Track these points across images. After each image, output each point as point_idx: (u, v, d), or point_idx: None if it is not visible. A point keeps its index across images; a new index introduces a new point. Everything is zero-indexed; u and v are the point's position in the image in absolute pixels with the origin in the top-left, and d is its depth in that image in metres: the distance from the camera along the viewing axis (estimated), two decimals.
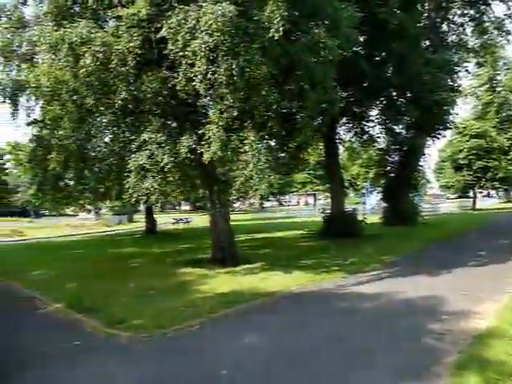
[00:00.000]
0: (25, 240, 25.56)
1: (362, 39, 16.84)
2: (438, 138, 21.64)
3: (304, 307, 7.46)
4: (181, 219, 35.95)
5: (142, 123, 9.58)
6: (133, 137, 9.58)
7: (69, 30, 8.55)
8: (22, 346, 5.80)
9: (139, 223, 36.31)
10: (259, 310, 7.31)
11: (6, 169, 72.92)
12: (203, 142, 8.90)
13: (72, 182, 14.00)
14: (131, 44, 8.39)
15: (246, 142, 8.77)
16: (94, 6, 9.89)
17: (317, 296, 8.21)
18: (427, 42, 20.06)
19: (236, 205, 64.24)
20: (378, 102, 19.48)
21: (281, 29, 8.19)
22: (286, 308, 7.47)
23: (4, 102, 11.10)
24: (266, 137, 10.63)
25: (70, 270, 11.98)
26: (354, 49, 16.53)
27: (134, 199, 9.38)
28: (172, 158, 8.85)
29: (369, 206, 36.69)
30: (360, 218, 19.37)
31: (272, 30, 8.22)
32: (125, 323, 6.42)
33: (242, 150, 8.81)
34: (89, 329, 6.45)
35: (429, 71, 16.21)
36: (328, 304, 7.47)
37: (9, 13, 11.10)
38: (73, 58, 8.49)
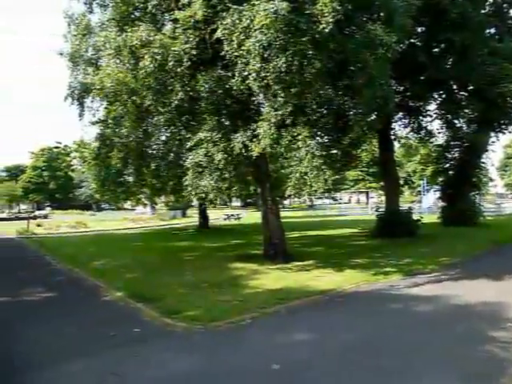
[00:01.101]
0: (88, 232, 27.36)
1: (419, 30, 16.16)
2: (504, 133, 20.11)
3: (357, 307, 7.35)
4: (232, 215, 36.66)
5: (197, 122, 9.88)
6: (188, 135, 9.91)
7: (130, 34, 9.04)
8: (94, 330, 6.21)
9: (192, 218, 37.46)
10: (311, 307, 7.30)
11: (72, 165, 78.38)
12: (254, 139, 9.04)
13: (131, 178, 14.76)
14: (187, 45, 8.69)
15: (298, 138, 8.76)
16: (153, 11, 10.34)
17: (370, 296, 8.04)
18: (492, 30, 18.73)
19: (286, 202, 64.31)
20: (436, 96, 18.58)
21: (331, 20, 8.05)
22: (338, 307, 7.40)
23: (73, 103, 12.01)
24: (318, 133, 10.54)
25: (129, 261, 12.66)
26: (412, 40, 15.94)
27: (193, 196, 9.71)
28: (226, 155, 9.06)
29: (425, 205, 35.18)
30: (416, 217, 18.59)
31: (324, 24, 8.12)
32: (180, 314, 6.68)
33: (294, 147, 8.81)
34: (147, 317, 6.79)
35: (494, 61, 15.17)
36: (382, 305, 7.29)
37: (77, 21, 11.91)
38: (133, 61, 8.96)
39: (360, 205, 62.17)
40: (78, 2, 11.99)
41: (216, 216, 35.34)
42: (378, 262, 11.13)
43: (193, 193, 9.58)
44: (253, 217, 36.93)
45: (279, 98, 8.66)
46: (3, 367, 4.85)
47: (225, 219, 35.52)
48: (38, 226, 28.44)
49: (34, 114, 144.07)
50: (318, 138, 9.63)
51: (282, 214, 13.63)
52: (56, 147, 79.14)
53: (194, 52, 8.81)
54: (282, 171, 23.74)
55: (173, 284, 9.05)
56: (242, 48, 8.31)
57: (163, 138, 13.17)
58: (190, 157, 9.39)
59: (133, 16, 11.07)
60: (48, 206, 69.36)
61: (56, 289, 9.33)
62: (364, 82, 9.28)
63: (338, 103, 10.12)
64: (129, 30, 9.26)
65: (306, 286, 8.51)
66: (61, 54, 12.68)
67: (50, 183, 73.97)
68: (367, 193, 62.93)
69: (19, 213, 54.56)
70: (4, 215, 48.53)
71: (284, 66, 8.19)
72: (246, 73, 8.38)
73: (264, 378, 4.45)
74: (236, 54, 8.34)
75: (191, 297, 7.82)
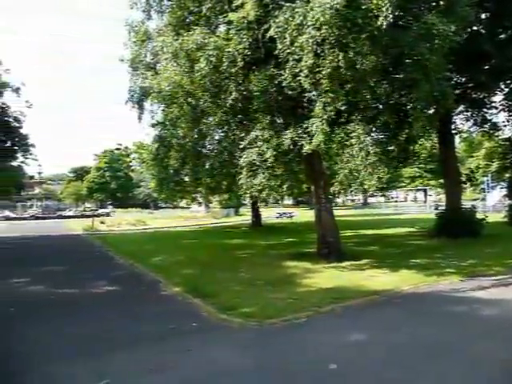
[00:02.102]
0: (146, 229, 28.68)
1: (483, 16, 15.16)
2: None
3: (416, 309, 7.08)
4: (284, 213, 36.69)
5: (250, 121, 10.01)
6: (242, 134, 10.07)
7: (186, 38, 9.35)
8: (154, 322, 6.51)
9: (244, 216, 38.01)
10: (367, 307, 7.14)
11: (131, 166, 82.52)
12: (305, 136, 8.99)
13: (187, 178, 15.26)
14: (240, 46, 8.83)
15: (352, 135, 8.59)
16: (207, 14, 10.61)
17: (430, 298, 7.71)
18: None
19: (339, 200, 63.16)
20: (503, 86, 17.30)
21: (390, 16, 7.82)
22: (395, 308, 7.16)
23: (133, 107, 12.67)
24: (373, 129, 10.27)
25: (185, 258, 13.09)
26: (475, 28, 14.97)
27: (247, 195, 9.87)
28: (276, 152, 9.09)
29: (490, 203, 32.92)
30: (479, 215, 17.47)
31: (381, 18, 7.89)
32: (235, 310, 6.80)
33: (348, 144, 8.65)
34: (204, 313, 6.99)
35: None
36: (443, 308, 6.97)
37: (136, 28, 12.52)
38: (189, 64, 9.27)
39: (417, 203, 59.48)
40: (136, 10, 12.57)
41: (268, 214, 35.53)
42: (439, 263, 10.61)
43: (247, 191, 9.72)
44: (305, 215, 36.72)
45: (331, 95, 8.54)
46: (91, 348, 5.24)
47: (277, 217, 35.62)
48: (102, 223, 30.29)
49: (99, 119, 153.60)
50: (373, 134, 9.38)
51: (335, 212, 13.42)
52: (117, 149, 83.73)
53: (247, 52, 8.94)
54: (335, 168, 23.49)
55: (228, 281, 9.24)
56: (295, 45, 8.31)
57: (217, 137, 13.51)
58: (244, 156, 9.52)
59: (188, 20, 11.43)
60: (110, 204, 73.48)
61: (119, 282, 9.86)
62: (420, 75, 8.89)
63: (394, 98, 9.78)
64: (185, 34, 9.58)
65: (361, 286, 8.34)
66: (122, 60, 13.39)
67: (111, 183, 78.39)
68: (425, 190, 60.04)
69: (84, 211, 58.42)
70: (71, 213, 52.16)
71: (338, 61, 8.06)
72: (297, 70, 8.36)
73: (321, 377, 4.43)
74: (288, 51, 8.34)
75: (246, 294, 7.93)
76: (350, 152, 8.71)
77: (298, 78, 8.45)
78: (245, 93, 9.56)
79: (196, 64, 9.13)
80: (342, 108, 8.52)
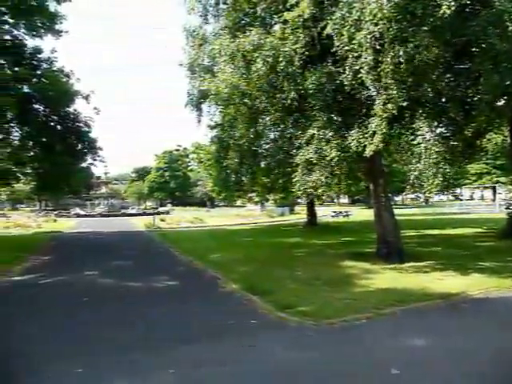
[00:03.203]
0: (203, 227, 29.53)
1: None
2: None
3: (486, 316, 6.65)
4: (340, 212, 36.04)
5: (306, 119, 9.96)
6: (298, 133, 10.04)
7: (242, 39, 9.51)
8: (213, 318, 6.69)
9: (300, 215, 37.79)
10: (431, 312, 6.82)
11: (189, 166, 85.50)
12: (367, 135, 8.76)
13: (244, 177, 15.49)
14: (297, 45, 8.81)
15: (418, 133, 8.24)
16: (262, 14, 10.71)
17: (504, 305, 7.20)
18: None
19: (397, 198, 60.68)
20: None
21: (452, 4, 7.37)
22: (462, 314, 6.79)
23: (192, 109, 13.13)
24: (435, 124, 9.78)
25: (242, 256, 13.31)
26: None
27: (301, 192, 9.85)
28: (339, 153, 8.96)
29: None
30: None
31: (444, 7, 7.46)
32: (293, 309, 6.81)
33: (414, 142, 8.30)
34: (261, 310, 7.06)
35: None
36: None
37: (194, 33, 12.94)
38: (246, 65, 9.41)
39: (485, 201, 55.59)
40: (194, 15, 12.98)
41: (323, 213, 35.07)
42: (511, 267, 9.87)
43: (301, 188, 9.67)
44: (362, 214, 35.78)
45: (391, 92, 8.24)
46: (156, 340, 5.55)
47: (333, 216, 35.04)
48: (162, 220, 31.64)
49: (159, 121, 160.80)
50: (437, 130, 8.92)
51: (395, 211, 12.96)
52: (176, 150, 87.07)
53: (303, 51, 8.89)
54: (394, 165, 22.61)
55: (285, 279, 9.28)
56: (353, 41, 8.13)
57: (272, 136, 13.58)
58: (301, 154, 9.48)
59: (243, 22, 11.61)
60: (169, 203, 76.60)
61: (179, 278, 10.26)
62: (488, 66, 8.30)
63: (460, 91, 9.23)
64: (241, 36, 9.75)
65: (424, 288, 7.99)
66: (180, 64, 13.90)
67: (170, 182, 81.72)
68: (494, 188, 55.87)
69: (146, 209, 61.46)
70: (134, 211, 55.07)
71: (398, 57, 7.77)
72: (357, 67, 8.18)
73: (383, 383, 4.32)
74: (347, 48, 8.18)
75: (303, 292, 7.92)
76: (416, 150, 8.33)
77: (359, 76, 8.26)
78: (301, 91, 9.51)
79: (252, 65, 9.26)
80: (404, 104, 8.17)
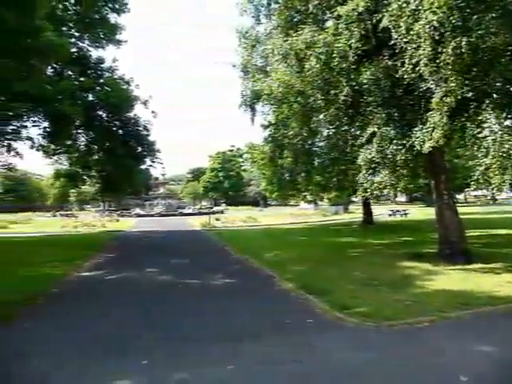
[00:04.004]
0: (257, 226, 29.78)
1: None
2: None
3: None
4: (397, 211, 34.74)
5: (363, 116, 9.71)
6: (357, 132, 9.82)
7: (295, 38, 9.47)
8: (270, 316, 6.74)
9: (354, 214, 36.94)
10: (501, 317, 6.36)
11: (242, 166, 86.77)
12: (426, 130, 8.37)
13: (299, 176, 15.45)
14: (351, 40, 8.61)
15: (484, 125, 7.72)
16: (314, 11, 10.58)
17: None
18: None
19: (459, 196, 57.25)
20: None
21: None
22: None
23: (246, 110, 13.32)
24: (504, 115, 9.10)
25: (296, 255, 13.26)
26: None
27: (368, 193, 9.60)
28: (402, 150, 8.63)
29: None
30: None
31: None
32: (350, 309, 6.67)
33: (481, 135, 7.79)
34: (318, 310, 6.99)
35: None
36: None
37: (247, 34, 13.10)
38: (299, 63, 9.36)
39: None
40: (247, 16, 13.14)
41: (380, 212, 33.99)
42: None
43: (368, 190, 9.43)
44: (421, 213, 34.24)
45: (451, 84, 7.78)
46: (216, 337, 5.72)
47: (390, 215, 33.85)
48: (217, 220, 32.38)
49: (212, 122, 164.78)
50: (506, 121, 8.28)
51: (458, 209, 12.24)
52: (230, 150, 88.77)
53: (358, 45, 8.68)
54: (456, 161, 21.32)
55: (341, 279, 9.11)
56: (411, 33, 7.80)
57: (325, 133, 13.38)
58: (362, 153, 9.26)
59: (295, 20, 11.55)
60: (223, 202, 78.25)
61: (235, 276, 10.39)
62: None
63: None
64: (293, 35, 9.71)
65: (493, 292, 7.48)
66: (234, 66, 14.15)
67: (224, 182, 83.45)
68: None
69: (201, 208, 63.21)
70: (190, 210, 56.87)
71: (460, 47, 7.33)
72: (415, 59, 7.83)
73: None
74: (405, 39, 7.86)
75: (361, 293, 7.73)
76: (484, 145, 7.80)
77: (417, 68, 7.91)
78: (356, 87, 9.29)
79: (306, 63, 9.18)
80: (469, 95, 7.69)
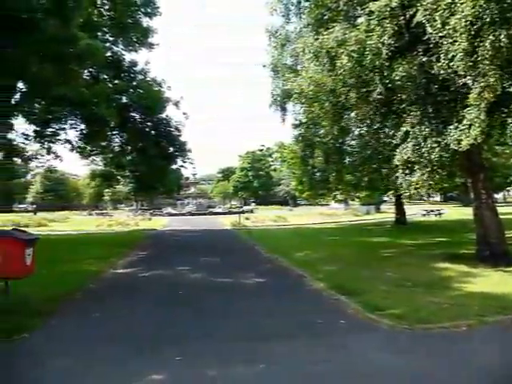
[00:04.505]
0: (287, 225, 29.71)
1: None
2: None
3: None
4: (431, 210, 33.75)
5: (396, 114, 9.50)
6: (391, 132, 9.62)
7: (326, 36, 9.38)
8: (301, 316, 6.67)
9: (386, 214, 36.18)
10: None
11: (272, 165, 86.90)
12: (462, 127, 8.09)
13: (329, 175, 15.30)
14: (384, 36, 8.44)
15: None
16: (345, 8, 10.45)
17: None
18: None
19: (498, 195, 54.88)
20: None
21: None
22: None
23: (277, 109, 13.31)
24: None
25: (326, 254, 13.16)
26: None
27: (407, 194, 9.40)
28: (443, 153, 8.39)
29: None
30: None
31: None
32: (384, 311, 6.53)
33: None
34: (350, 310, 6.90)
35: None
36: None
37: (277, 33, 13.10)
38: (330, 61, 9.27)
39: None
40: (277, 16, 13.12)
41: (413, 212, 33.11)
42: None
43: (406, 190, 9.23)
44: (456, 213, 33.09)
45: (490, 79, 7.48)
46: (248, 335, 5.78)
47: (423, 215, 32.93)
48: (247, 219, 32.54)
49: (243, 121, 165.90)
50: None
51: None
52: (260, 150, 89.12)
53: (391, 42, 8.50)
54: (495, 159, 20.47)
55: (373, 279, 8.97)
56: (446, 27, 7.56)
57: (356, 132, 13.18)
58: (398, 153, 9.05)
59: (326, 17, 11.44)
60: (253, 201, 78.56)
61: (266, 275, 10.41)
62: None
63: None
64: (324, 33, 9.62)
65: None
66: (264, 65, 14.17)
67: (254, 182, 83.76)
68: None
69: (231, 208, 63.73)
70: (220, 210, 57.48)
71: (499, 41, 7.04)
72: (451, 54, 7.58)
73: None
74: (440, 34, 7.63)
75: (394, 294, 7.57)
76: None
77: (451, 64, 7.66)
78: (389, 84, 9.09)
79: (337, 61, 9.08)
80: (510, 89, 7.37)
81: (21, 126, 20.16)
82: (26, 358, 4.98)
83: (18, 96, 15.97)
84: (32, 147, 19.90)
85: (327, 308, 7.22)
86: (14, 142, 18.47)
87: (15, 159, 20.85)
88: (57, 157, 20.39)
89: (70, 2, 10.94)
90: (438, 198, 69.32)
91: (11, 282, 7.00)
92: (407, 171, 8.99)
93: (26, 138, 18.74)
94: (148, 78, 23.16)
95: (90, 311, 7.03)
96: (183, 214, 51.41)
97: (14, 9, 9.76)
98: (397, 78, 8.93)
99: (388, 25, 8.62)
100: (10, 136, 17.65)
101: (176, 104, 23.28)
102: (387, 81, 9.03)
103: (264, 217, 34.58)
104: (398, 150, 9.10)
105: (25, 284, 7.46)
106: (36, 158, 20.76)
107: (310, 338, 5.59)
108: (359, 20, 10.58)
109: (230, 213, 48.99)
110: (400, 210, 26.97)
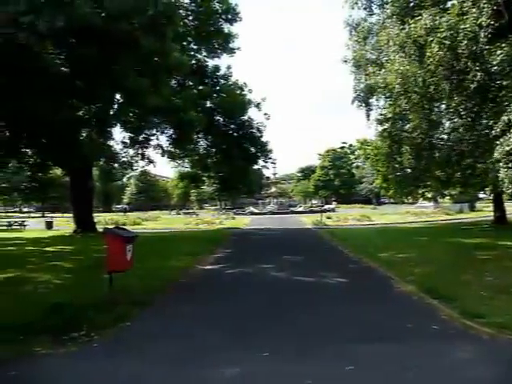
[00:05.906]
0: (371, 224, 28.65)
1: None
2: None
3: None
4: None
5: (497, 102, 8.64)
6: (483, 119, 8.80)
7: (413, 25, 8.88)
8: (391, 319, 6.42)
9: (482, 212, 33.11)
10: None
11: (354, 163, 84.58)
12: None
13: (418, 172, 14.42)
14: (481, 18, 7.73)
15: None
16: None
17: None
18: None
19: None
20: None
21: None
22: None
23: (360, 105, 12.93)
24: None
25: (415, 255, 12.40)
26: None
27: (508, 189, 8.58)
28: None
29: None
30: None
31: None
32: (483, 318, 5.99)
33: None
34: (444, 316, 6.44)
35: None
36: None
37: (358, 27, 12.72)
38: (418, 51, 8.75)
39: None
40: (358, 10, 12.75)
41: None
42: None
43: (509, 186, 8.41)
44: None
45: None
46: (333, 337, 5.75)
47: None
48: (328, 218, 32.10)
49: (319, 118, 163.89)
50: None
51: None
52: (341, 147, 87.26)
53: (488, 23, 7.76)
54: None
55: (470, 284, 8.27)
56: None
57: (447, 124, 12.24)
58: (498, 145, 8.27)
59: (412, 4, 10.82)
60: (334, 200, 77.06)
61: (350, 275, 10.13)
62: None
63: None
64: (411, 22, 9.11)
65: None
66: (345, 61, 13.83)
67: (334, 180, 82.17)
68: None
69: (312, 207, 63.31)
70: (301, 209, 57.46)
71: None
72: None
73: None
74: None
75: (496, 301, 6.89)
76: None
77: None
78: (488, 71, 8.30)
79: (426, 50, 8.54)
80: None
81: (118, 134, 22.27)
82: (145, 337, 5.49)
83: (116, 106, 17.63)
84: (128, 153, 21.83)
85: (417, 312, 6.81)
86: (113, 149, 20.42)
87: (114, 164, 23.01)
88: (150, 162, 22.09)
89: (163, 19, 11.85)
90: None
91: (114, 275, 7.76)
92: (510, 164, 8.11)
93: (124, 146, 20.60)
94: (230, 82, 24.00)
95: (183, 302, 7.53)
96: (265, 213, 52.29)
97: (116, 28, 10.81)
98: (495, 62, 8.13)
99: (485, 5, 7.88)
100: (109, 143, 19.58)
101: (257, 106, 23.82)
102: (484, 67, 8.26)
103: (346, 215, 33.77)
104: (498, 142, 8.26)
105: (124, 277, 8.21)
106: (131, 163, 22.69)
107: (399, 342, 5.33)
108: (450, 3, 9.84)
109: (310, 212, 48.73)
110: (499, 209, 24.47)
